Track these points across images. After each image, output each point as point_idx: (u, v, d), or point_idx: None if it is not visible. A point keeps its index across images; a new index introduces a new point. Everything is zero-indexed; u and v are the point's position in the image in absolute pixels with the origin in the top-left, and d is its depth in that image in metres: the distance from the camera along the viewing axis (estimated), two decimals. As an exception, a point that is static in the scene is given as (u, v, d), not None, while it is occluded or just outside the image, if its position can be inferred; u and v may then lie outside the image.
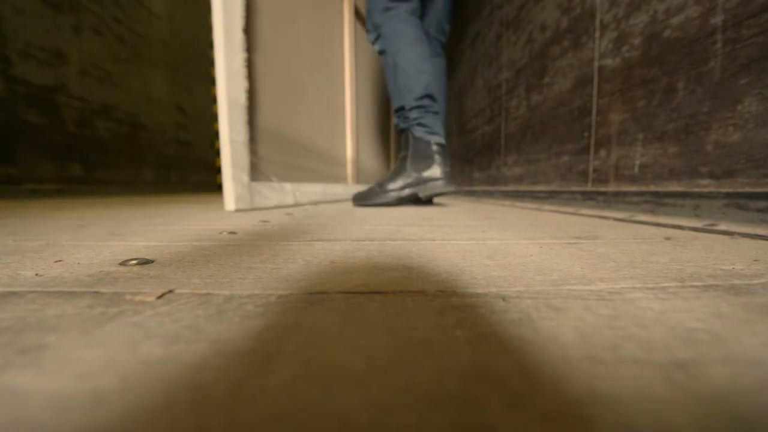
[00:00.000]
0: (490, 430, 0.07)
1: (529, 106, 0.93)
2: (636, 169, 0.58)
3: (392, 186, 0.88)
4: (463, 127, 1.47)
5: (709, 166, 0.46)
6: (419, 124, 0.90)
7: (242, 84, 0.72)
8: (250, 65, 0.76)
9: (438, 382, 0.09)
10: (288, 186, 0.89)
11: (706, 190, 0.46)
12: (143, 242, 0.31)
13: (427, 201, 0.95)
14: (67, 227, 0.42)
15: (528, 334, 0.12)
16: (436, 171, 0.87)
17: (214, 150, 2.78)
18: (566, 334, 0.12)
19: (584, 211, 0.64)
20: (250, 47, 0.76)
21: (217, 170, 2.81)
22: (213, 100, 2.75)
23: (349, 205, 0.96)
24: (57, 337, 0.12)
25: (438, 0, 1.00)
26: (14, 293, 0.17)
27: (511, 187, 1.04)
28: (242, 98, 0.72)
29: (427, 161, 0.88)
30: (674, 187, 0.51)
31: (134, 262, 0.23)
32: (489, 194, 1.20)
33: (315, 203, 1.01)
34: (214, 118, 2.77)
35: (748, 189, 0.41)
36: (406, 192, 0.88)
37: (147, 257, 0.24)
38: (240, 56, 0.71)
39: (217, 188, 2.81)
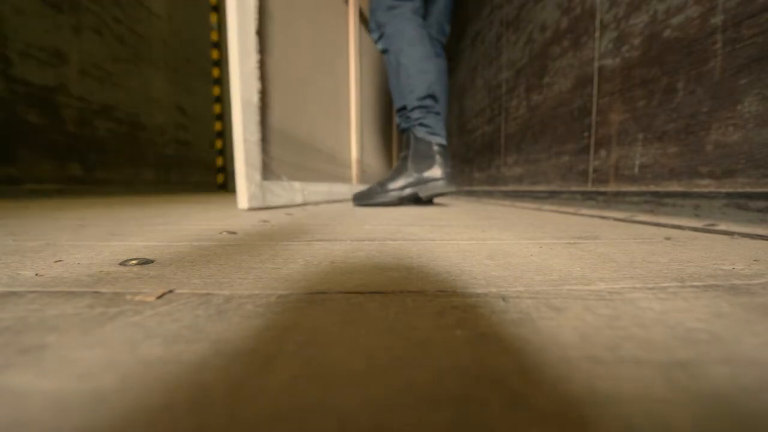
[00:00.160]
0: (490, 430, 0.07)
1: (529, 106, 0.93)
2: (636, 169, 0.58)
3: (393, 185, 0.88)
4: (463, 127, 1.47)
5: (709, 166, 0.46)
6: (421, 125, 0.90)
7: (255, 85, 0.73)
8: (262, 67, 0.77)
9: (438, 382, 0.09)
10: (297, 185, 0.91)
11: (706, 190, 0.46)
12: (143, 242, 0.31)
13: (428, 201, 0.96)
14: (67, 227, 0.42)
15: (528, 334, 0.12)
16: (437, 171, 0.87)
17: (214, 150, 2.78)
18: (566, 334, 0.12)
19: (584, 211, 0.64)
20: (262, 49, 0.77)
21: (218, 170, 2.82)
22: (213, 100, 2.75)
23: (350, 204, 0.96)
24: (57, 337, 0.12)
25: (439, 1, 1.00)
26: (14, 293, 0.17)
27: (511, 187, 1.04)
28: (255, 98, 0.73)
29: (428, 161, 0.88)
30: (674, 187, 0.51)
31: (134, 262, 0.23)
32: (489, 194, 1.20)
33: (322, 202, 1.03)
34: (214, 118, 2.77)
35: (748, 189, 0.41)
36: (407, 192, 0.88)
37: (147, 257, 0.24)
38: (253, 57, 0.72)
39: (217, 188, 2.81)
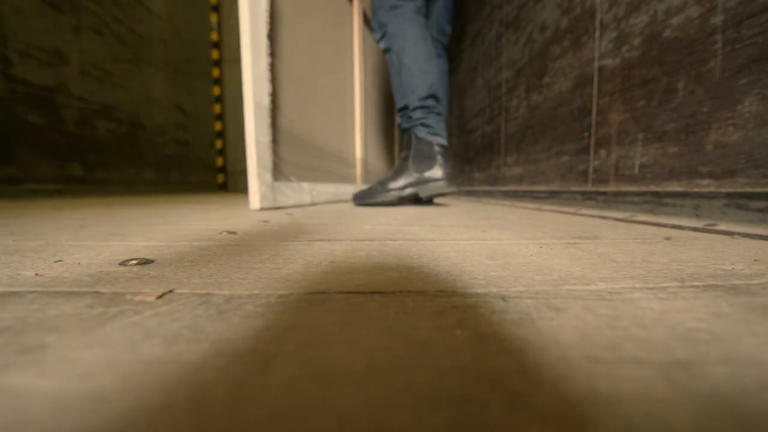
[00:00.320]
0: (490, 430, 0.07)
1: (529, 106, 0.93)
2: (636, 169, 0.58)
3: (394, 185, 0.88)
4: (463, 127, 1.47)
5: (709, 166, 0.46)
6: (422, 125, 0.90)
7: (266, 87, 0.74)
8: (272, 69, 0.78)
9: (438, 382, 0.09)
10: (305, 185, 0.92)
11: (706, 190, 0.46)
12: (143, 242, 0.31)
13: (428, 201, 0.96)
14: (67, 227, 0.42)
15: (528, 334, 0.12)
16: (437, 171, 0.87)
17: (214, 150, 2.78)
18: (566, 334, 0.12)
19: (584, 211, 0.64)
20: (272, 52, 0.78)
21: (218, 170, 2.82)
22: (213, 100, 2.75)
23: (350, 205, 0.96)
24: (57, 337, 0.12)
25: (439, 1, 1.00)
26: (14, 293, 0.17)
27: (511, 187, 1.04)
28: (266, 101, 0.74)
29: (429, 161, 0.88)
30: (674, 187, 0.51)
31: (134, 262, 0.23)
32: (489, 194, 1.20)
33: (328, 203, 1.03)
34: (214, 118, 2.77)
35: (748, 189, 0.41)
36: (408, 191, 0.88)
37: (147, 257, 0.24)
38: (264, 60, 0.74)
39: (217, 188, 2.81)
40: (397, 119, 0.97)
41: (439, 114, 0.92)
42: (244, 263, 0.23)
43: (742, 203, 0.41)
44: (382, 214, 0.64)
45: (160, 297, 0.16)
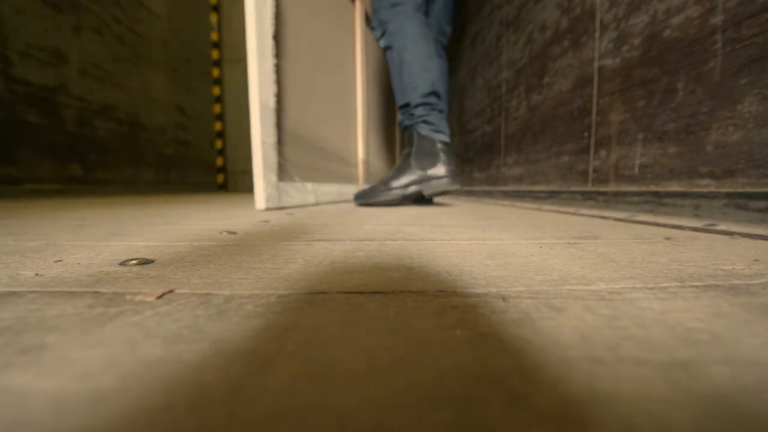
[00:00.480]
0: (490, 430, 0.07)
1: (529, 106, 0.93)
2: (636, 169, 0.58)
3: (396, 183, 0.87)
4: (463, 127, 1.47)
5: (709, 166, 0.46)
6: (424, 122, 0.89)
7: (272, 88, 0.75)
8: (277, 71, 0.78)
9: (438, 382, 0.09)
10: (309, 186, 0.92)
11: (706, 190, 0.46)
12: (143, 242, 0.31)
13: (428, 201, 0.95)
14: (67, 227, 0.42)
15: (528, 334, 0.12)
16: (441, 169, 0.86)
17: (214, 150, 2.78)
18: (566, 334, 0.12)
19: (584, 211, 0.64)
20: (277, 53, 0.79)
21: (218, 170, 2.82)
22: (213, 100, 2.75)
23: (351, 205, 0.96)
24: (57, 337, 0.12)
25: (438, 1, 1.00)
26: (14, 293, 0.17)
27: (511, 187, 1.04)
28: (272, 102, 0.75)
29: (431, 159, 0.87)
30: (674, 187, 0.51)
31: (134, 262, 0.23)
32: (489, 194, 1.20)
33: (331, 203, 1.03)
34: (214, 118, 2.77)
35: (748, 189, 0.41)
36: (411, 189, 0.87)
37: (147, 257, 0.24)
38: (270, 62, 0.74)
39: (217, 188, 2.81)
40: (398, 117, 0.96)
41: (441, 111, 0.91)
42: (244, 263, 0.23)
43: (742, 203, 0.41)
44: (382, 214, 0.64)
45: (160, 297, 0.16)
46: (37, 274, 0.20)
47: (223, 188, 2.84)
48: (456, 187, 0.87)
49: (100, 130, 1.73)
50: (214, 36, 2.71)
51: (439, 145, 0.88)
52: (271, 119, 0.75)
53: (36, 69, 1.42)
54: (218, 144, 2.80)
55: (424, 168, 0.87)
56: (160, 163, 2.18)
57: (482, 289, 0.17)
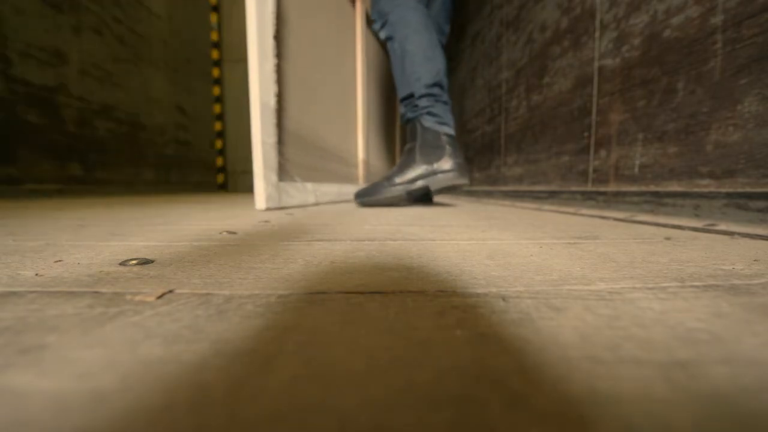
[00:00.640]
0: (490, 430, 0.07)
1: (529, 106, 0.93)
2: (636, 169, 0.58)
3: (401, 179, 0.82)
4: (463, 127, 1.47)
5: (709, 166, 0.46)
6: (429, 113, 0.85)
7: (272, 88, 0.75)
8: (278, 71, 0.78)
9: (438, 382, 0.09)
10: (309, 186, 0.92)
11: (706, 190, 0.46)
12: (143, 242, 0.31)
13: (428, 200, 0.95)
14: (67, 227, 0.42)
15: (528, 334, 0.12)
16: (447, 162, 0.82)
17: (214, 150, 2.78)
18: (566, 334, 0.12)
19: (584, 211, 0.64)
20: (278, 53, 0.78)
21: (218, 170, 2.82)
22: (213, 100, 2.75)
23: (351, 205, 0.96)
24: (57, 337, 0.12)
25: (437, 0, 1.00)
26: (14, 293, 0.17)
27: (511, 187, 1.04)
28: (272, 102, 0.75)
29: (437, 152, 0.82)
30: (674, 187, 0.51)
31: (134, 262, 0.23)
32: (489, 194, 1.20)
33: (331, 203, 1.04)
34: (214, 118, 2.77)
35: (748, 189, 0.41)
36: (418, 184, 0.82)
37: (147, 257, 0.24)
38: (271, 62, 0.74)
39: (217, 188, 2.81)
40: (401, 109, 0.93)
41: (445, 103, 0.87)
42: (244, 263, 0.23)
43: (742, 203, 0.41)
44: (382, 214, 0.64)
45: (160, 297, 0.16)
46: (37, 274, 0.20)
47: (223, 188, 2.84)
48: (464, 181, 0.82)
49: (100, 130, 1.73)
50: (214, 36, 2.71)
51: (445, 138, 0.83)
52: (272, 119, 0.75)
53: (36, 69, 1.42)
54: (218, 144, 2.80)
55: (430, 162, 0.82)
56: (160, 163, 2.18)
57: (482, 289, 0.17)
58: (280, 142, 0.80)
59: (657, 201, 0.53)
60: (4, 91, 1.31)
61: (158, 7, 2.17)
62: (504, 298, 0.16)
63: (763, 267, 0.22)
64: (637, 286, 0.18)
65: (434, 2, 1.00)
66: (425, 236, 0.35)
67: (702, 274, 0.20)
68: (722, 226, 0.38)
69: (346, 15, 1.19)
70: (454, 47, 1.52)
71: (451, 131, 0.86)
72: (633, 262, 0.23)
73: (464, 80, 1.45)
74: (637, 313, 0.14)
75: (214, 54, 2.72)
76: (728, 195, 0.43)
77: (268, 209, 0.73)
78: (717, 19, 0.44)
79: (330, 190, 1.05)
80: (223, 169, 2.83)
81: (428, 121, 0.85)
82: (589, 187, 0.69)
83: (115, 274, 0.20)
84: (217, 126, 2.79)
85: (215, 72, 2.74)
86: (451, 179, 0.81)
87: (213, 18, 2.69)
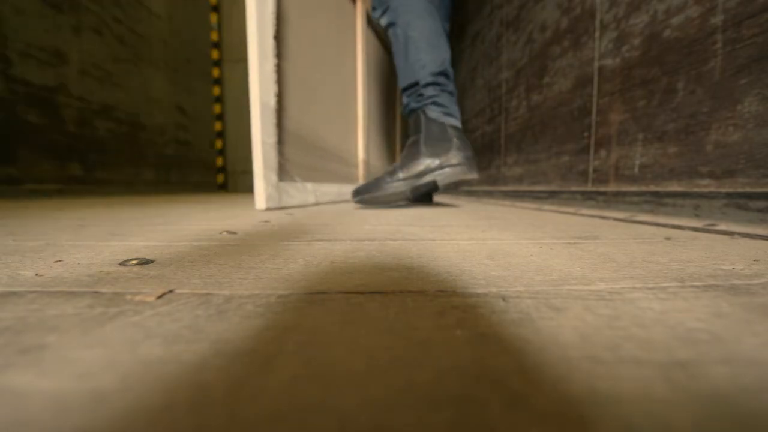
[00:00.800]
0: (490, 430, 0.07)
1: (529, 106, 0.93)
2: (636, 169, 0.58)
3: (405, 174, 0.76)
4: (463, 127, 1.47)
5: (709, 166, 0.46)
6: (434, 103, 0.79)
7: (272, 88, 0.75)
8: (278, 71, 0.78)
9: (438, 382, 0.09)
10: (309, 186, 0.92)
11: (706, 190, 0.46)
12: (143, 242, 0.31)
13: (428, 200, 0.95)
14: (67, 227, 0.42)
15: (528, 334, 0.12)
16: (455, 156, 0.76)
17: (214, 150, 2.78)
18: (566, 334, 0.12)
19: (584, 211, 0.64)
20: (278, 53, 0.78)
21: (218, 170, 2.82)
22: (213, 100, 2.75)
23: (351, 205, 0.95)
24: (57, 337, 0.12)
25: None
26: (14, 293, 0.17)
27: (511, 187, 1.04)
28: (272, 102, 0.75)
29: (444, 145, 0.76)
30: (674, 187, 0.51)
31: (134, 262, 0.23)
32: (489, 194, 1.20)
33: (331, 203, 1.04)
34: (214, 118, 2.77)
35: (748, 189, 0.41)
36: (426, 179, 0.76)
37: (147, 257, 0.24)
38: (271, 62, 0.74)
39: (217, 188, 2.81)
40: (403, 100, 0.87)
41: (451, 93, 0.82)
42: (244, 263, 0.23)
43: (742, 203, 0.41)
44: (382, 214, 0.64)
45: (160, 297, 0.16)
46: (37, 274, 0.20)
47: (223, 188, 2.84)
48: (473, 175, 0.77)
49: (100, 130, 1.73)
50: (214, 36, 2.71)
51: (451, 130, 0.78)
52: (272, 119, 0.75)
53: (36, 69, 1.42)
54: (218, 144, 2.80)
55: (437, 155, 0.76)
56: (160, 163, 2.18)
57: (482, 289, 0.17)
58: (280, 142, 0.80)
59: (657, 201, 0.53)
60: (4, 91, 1.31)
61: (158, 7, 2.17)
62: (504, 298, 0.16)
63: (763, 267, 0.22)
64: (637, 286, 0.18)
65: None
66: (425, 236, 0.35)
67: (702, 274, 0.20)
68: (722, 226, 0.38)
69: (346, 14, 1.19)
70: (454, 47, 1.52)
71: (457, 123, 0.81)
72: (633, 262, 0.23)
73: (464, 80, 1.45)
74: (637, 313, 0.14)
75: (214, 54, 2.72)
76: (728, 195, 0.43)
77: (268, 209, 0.73)
78: (717, 19, 0.44)
79: (330, 190, 1.05)
80: (223, 169, 2.83)
81: (433, 112, 0.79)
82: (589, 187, 0.69)
83: (115, 274, 0.20)
84: (217, 126, 2.79)
85: (215, 72, 2.74)
86: (459, 174, 0.75)
87: (213, 18, 2.69)
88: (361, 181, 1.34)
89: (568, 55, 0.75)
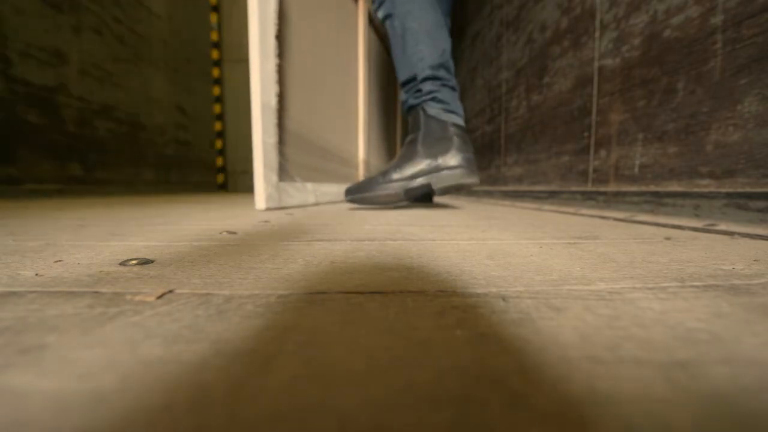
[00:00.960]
0: (490, 430, 0.07)
1: (529, 106, 0.93)
2: (636, 169, 0.58)
3: (398, 175, 0.71)
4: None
5: (709, 166, 0.46)
6: (434, 99, 0.74)
7: (274, 88, 0.74)
8: (280, 71, 0.78)
9: (438, 382, 0.09)
10: (309, 186, 0.92)
11: (706, 190, 0.46)
12: (143, 242, 0.31)
13: (428, 201, 0.94)
14: (67, 227, 0.42)
15: (528, 334, 0.12)
16: (454, 157, 0.70)
17: (214, 150, 2.78)
18: (566, 334, 0.12)
19: (584, 211, 0.64)
20: (280, 53, 0.78)
21: (218, 170, 2.82)
22: (213, 100, 2.75)
23: (350, 205, 0.95)
24: (57, 337, 0.12)
25: None
26: (14, 293, 0.17)
27: (511, 187, 1.04)
28: (273, 102, 0.75)
29: (443, 144, 0.70)
30: (674, 187, 0.51)
31: (134, 262, 0.23)
32: (489, 194, 1.20)
33: (331, 203, 1.03)
34: (214, 118, 2.77)
35: (748, 189, 0.41)
36: (418, 181, 0.70)
37: (147, 257, 0.24)
38: (272, 62, 0.74)
39: (217, 188, 2.81)
40: (401, 96, 0.82)
41: (453, 89, 0.76)
42: (244, 263, 0.23)
43: (742, 203, 0.41)
44: (382, 214, 0.64)
45: (160, 297, 0.16)
46: (37, 274, 0.20)
47: (223, 188, 2.84)
48: (473, 180, 0.71)
49: (100, 130, 1.73)
50: (214, 36, 2.70)
51: (452, 129, 0.72)
52: (273, 119, 0.75)
53: (36, 69, 1.42)
54: (218, 144, 2.80)
55: (435, 155, 0.70)
56: (160, 163, 2.18)
57: (482, 289, 0.17)
58: (281, 142, 0.80)
59: (657, 201, 0.53)
60: (4, 91, 1.31)
61: (158, 7, 2.17)
62: (504, 298, 0.16)
63: (763, 267, 0.22)
64: (637, 286, 0.18)
65: None
66: (425, 236, 0.35)
67: (702, 274, 0.20)
68: (722, 226, 0.38)
69: (348, 14, 1.19)
70: (454, 47, 1.52)
71: (459, 121, 0.74)
72: (633, 262, 0.23)
73: (464, 80, 1.45)
74: (637, 313, 0.14)
75: (214, 54, 2.72)
76: (728, 195, 0.43)
77: (268, 209, 0.73)
78: (717, 19, 0.44)
79: (330, 190, 1.05)
80: (223, 169, 2.83)
81: (433, 109, 0.73)
82: (589, 187, 0.69)
83: (115, 274, 0.20)
84: (217, 126, 2.79)
85: (215, 72, 2.74)
86: (457, 177, 0.69)
87: (213, 18, 2.69)
88: None
89: (568, 55, 0.75)
